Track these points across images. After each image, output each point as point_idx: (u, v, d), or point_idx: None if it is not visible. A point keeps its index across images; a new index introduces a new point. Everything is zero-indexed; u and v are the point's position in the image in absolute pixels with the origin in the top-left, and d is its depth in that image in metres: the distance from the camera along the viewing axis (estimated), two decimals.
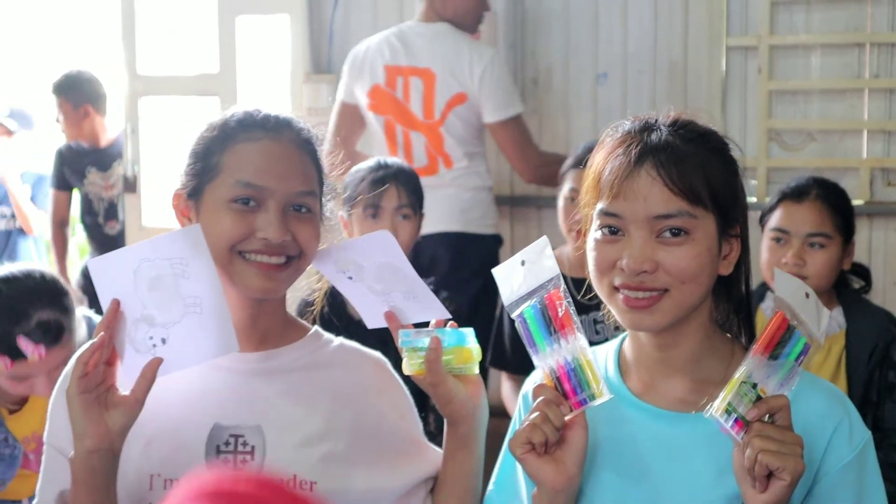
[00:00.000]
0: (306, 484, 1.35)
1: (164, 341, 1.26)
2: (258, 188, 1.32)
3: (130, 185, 4.03)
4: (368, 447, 1.40)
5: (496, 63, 3.14)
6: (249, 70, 3.98)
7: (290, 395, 1.39)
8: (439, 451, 1.46)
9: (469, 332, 1.34)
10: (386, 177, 2.41)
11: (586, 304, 2.59)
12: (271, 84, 4.01)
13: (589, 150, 2.47)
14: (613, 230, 1.27)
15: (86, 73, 4.22)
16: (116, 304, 1.25)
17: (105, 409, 1.23)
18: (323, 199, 1.42)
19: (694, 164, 1.25)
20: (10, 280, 1.94)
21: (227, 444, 1.35)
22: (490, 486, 1.45)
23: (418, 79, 3.12)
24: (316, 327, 1.50)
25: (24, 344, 1.90)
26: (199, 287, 1.26)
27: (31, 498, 2.16)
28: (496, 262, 1.46)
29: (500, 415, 3.09)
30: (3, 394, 2.10)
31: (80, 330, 2.03)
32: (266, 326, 1.41)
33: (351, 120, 3.20)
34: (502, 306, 2.68)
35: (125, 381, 1.25)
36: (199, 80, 4.03)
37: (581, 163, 2.50)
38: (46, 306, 1.93)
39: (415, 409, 1.51)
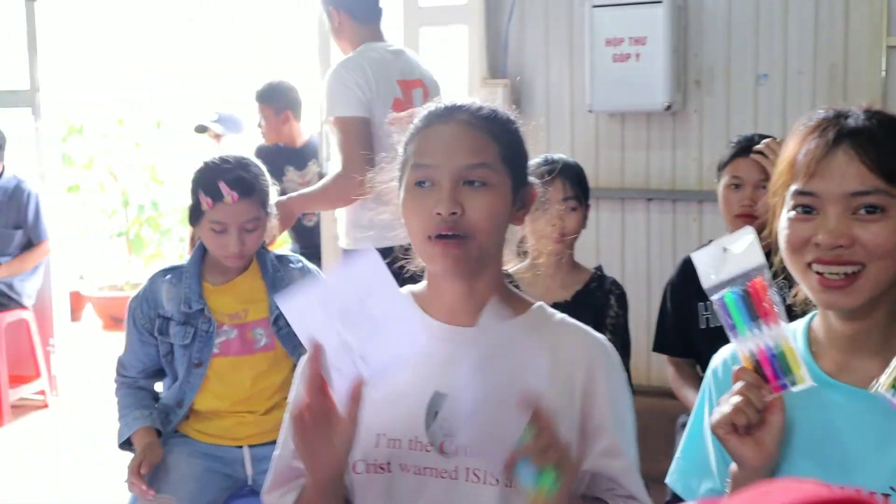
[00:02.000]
0: None
1: (363, 360, 1.32)
2: (428, 167, 1.40)
3: None
4: (572, 430, 1.37)
5: None
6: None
7: (508, 366, 1.37)
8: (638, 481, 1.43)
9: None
10: (552, 171, 2.50)
11: None
12: (451, 88, 4.35)
13: (746, 140, 2.70)
14: (808, 209, 1.28)
15: (285, 82, 4.64)
16: (317, 346, 1.31)
17: (329, 440, 1.31)
18: (510, 168, 1.43)
19: (890, 145, 1.27)
20: (222, 158, 2.52)
21: (444, 410, 1.42)
22: (675, 461, 1.50)
23: (420, 89, 3.25)
24: (541, 303, 1.51)
25: (222, 187, 2.40)
26: (383, 303, 1.31)
27: (252, 446, 2.50)
28: None
29: (662, 394, 3.32)
30: (213, 275, 2.53)
31: (272, 219, 2.55)
32: (482, 301, 1.41)
33: (369, 135, 3.10)
34: (664, 293, 2.93)
35: (338, 405, 1.33)
36: None
37: (739, 153, 2.72)
38: (244, 171, 2.47)
39: (631, 411, 1.50)
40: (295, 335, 2.34)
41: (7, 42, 5.13)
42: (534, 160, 2.64)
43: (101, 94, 7.43)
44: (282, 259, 2.61)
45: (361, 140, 3.03)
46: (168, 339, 2.49)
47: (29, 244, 4.84)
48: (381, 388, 1.36)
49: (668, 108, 3.89)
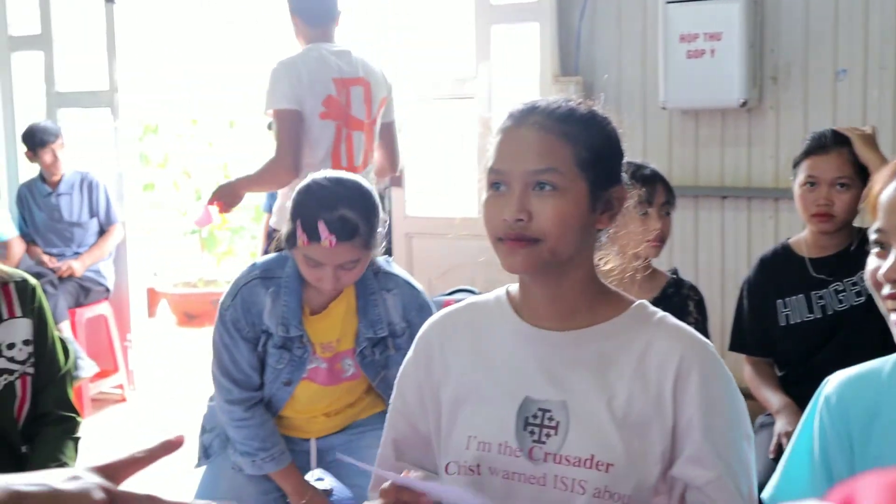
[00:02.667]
0: (602, 465, 1.36)
1: None
2: (500, 172, 1.40)
3: (396, 180, 4.49)
4: (665, 436, 1.37)
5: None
6: (502, 73, 4.34)
7: (595, 373, 1.40)
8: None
9: None
10: (654, 175, 2.54)
11: (822, 279, 2.78)
12: (522, 86, 4.36)
13: (821, 137, 2.65)
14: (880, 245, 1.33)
15: None
16: None
17: None
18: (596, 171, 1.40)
19: None
20: (336, 180, 2.25)
21: (534, 416, 1.41)
22: (776, 481, 1.48)
23: (360, 87, 3.49)
24: (641, 302, 1.48)
25: (321, 229, 2.15)
26: None
27: (319, 438, 2.51)
28: None
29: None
30: (311, 297, 2.35)
31: (377, 251, 2.29)
32: (571, 304, 1.44)
33: (299, 125, 3.39)
34: (741, 292, 2.89)
35: None
36: (456, 84, 4.43)
37: (813, 151, 2.67)
38: (352, 208, 2.19)
39: (738, 419, 1.41)
40: (376, 364, 2.40)
41: (88, 44, 5.26)
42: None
43: (175, 95, 7.58)
44: (382, 278, 2.41)
45: (292, 130, 3.36)
46: (264, 355, 2.40)
47: (101, 232, 5.07)
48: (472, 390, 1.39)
49: (744, 104, 3.84)
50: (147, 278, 6.58)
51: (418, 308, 2.38)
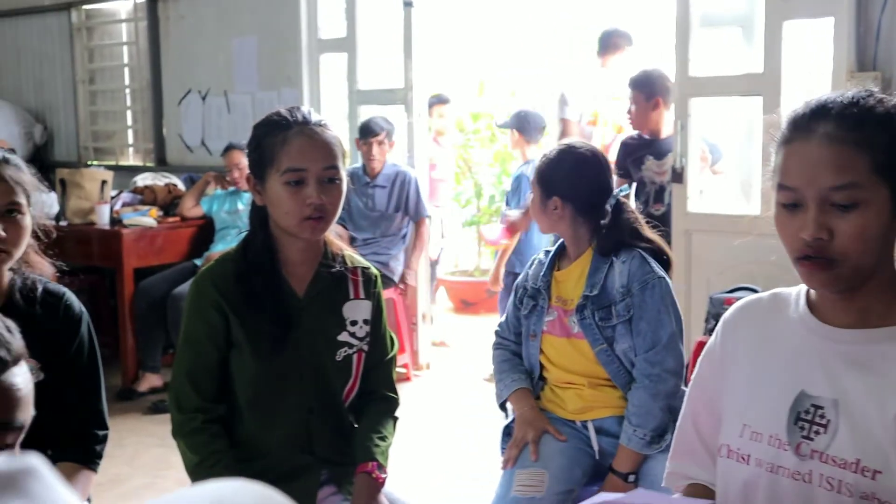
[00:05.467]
0: (868, 472, 1.32)
1: None
2: (793, 189, 1.35)
3: (678, 176, 4.50)
4: None
5: None
6: (792, 70, 4.25)
7: (875, 375, 1.35)
8: None
9: None
10: None
11: None
12: (813, 83, 4.25)
13: None
14: None
15: (657, 70, 4.78)
16: None
17: None
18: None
19: None
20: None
21: (807, 412, 1.39)
22: None
23: None
24: None
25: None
26: None
27: (594, 421, 2.57)
28: None
29: None
30: (566, 255, 2.66)
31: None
32: (865, 304, 1.39)
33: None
34: None
35: None
36: (743, 80, 4.37)
37: None
38: None
39: None
40: (595, 328, 2.56)
41: (386, 46, 5.64)
42: None
43: (458, 90, 7.92)
44: (623, 251, 2.58)
45: None
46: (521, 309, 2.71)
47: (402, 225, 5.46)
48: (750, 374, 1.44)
49: None
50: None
51: (642, 283, 2.50)
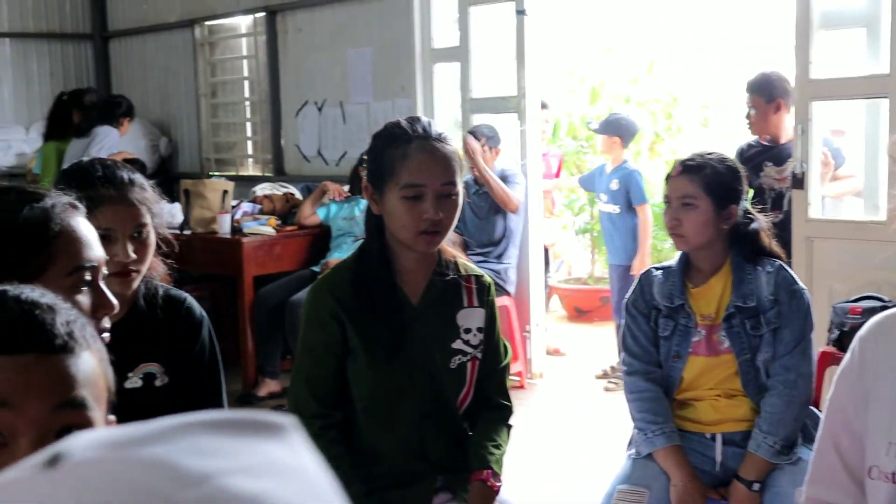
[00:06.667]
0: None
1: None
2: None
3: (798, 182, 4.38)
4: None
5: None
6: None
7: None
8: None
9: None
10: None
11: None
12: None
13: None
14: None
15: (776, 72, 4.68)
16: None
17: None
18: None
19: None
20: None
21: None
22: None
23: None
24: None
25: None
26: None
27: (724, 434, 2.54)
28: None
29: None
30: (693, 275, 2.60)
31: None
32: None
33: None
34: None
35: None
36: (868, 81, 4.23)
37: None
38: None
39: None
40: (743, 337, 2.51)
41: (499, 54, 5.66)
42: None
43: (570, 100, 7.89)
44: (761, 261, 2.57)
45: None
46: (656, 329, 2.62)
47: (505, 231, 5.43)
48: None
49: None
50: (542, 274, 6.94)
51: (790, 292, 2.51)
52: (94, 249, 1.45)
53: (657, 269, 2.68)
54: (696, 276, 2.60)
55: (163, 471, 0.45)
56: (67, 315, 1.02)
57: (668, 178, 2.62)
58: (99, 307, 1.45)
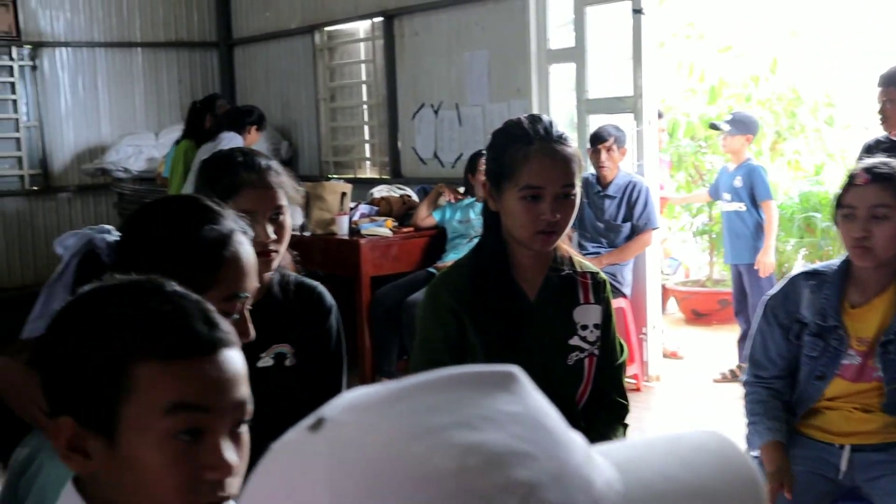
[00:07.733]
0: None
1: None
2: None
3: None
4: None
5: None
6: None
7: None
8: None
9: None
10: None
11: None
12: None
13: None
14: None
15: None
16: None
17: None
18: None
19: None
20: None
21: None
22: None
23: None
24: None
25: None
26: None
27: (853, 447, 2.44)
28: None
29: None
30: (852, 293, 2.40)
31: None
32: None
33: None
34: None
35: None
36: None
37: None
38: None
39: None
40: None
41: (615, 53, 5.62)
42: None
43: (688, 100, 7.77)
44: None
45: None
46: (798, 344, 2.48)
47: (631, 236, 5.36)
48: None
49: None
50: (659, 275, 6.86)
51: None
52: (253, 281, 1.54)
53: (808, 275, 2.49)
54: (857, 293, 2.41)
55: (403, 427, 0.55)
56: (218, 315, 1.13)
57: (850, 186, 2.38)
58: (240, 334, 1.53)
